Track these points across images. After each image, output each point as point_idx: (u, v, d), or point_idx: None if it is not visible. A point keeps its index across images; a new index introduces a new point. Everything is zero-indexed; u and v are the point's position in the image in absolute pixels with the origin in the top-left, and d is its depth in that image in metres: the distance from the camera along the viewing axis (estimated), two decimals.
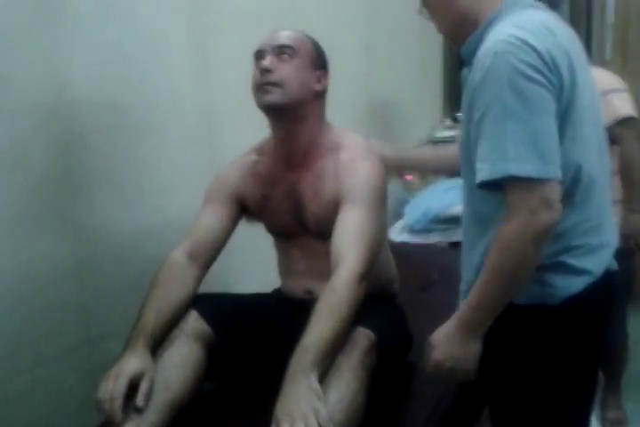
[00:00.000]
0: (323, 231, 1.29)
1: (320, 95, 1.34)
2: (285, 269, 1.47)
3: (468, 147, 1.06)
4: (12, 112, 1.28)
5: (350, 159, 1.30)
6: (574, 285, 1.09)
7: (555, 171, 0.98)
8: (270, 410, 1.02)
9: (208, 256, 1.34)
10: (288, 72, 1.26)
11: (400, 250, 2.42)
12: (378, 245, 1.25)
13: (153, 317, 1.20)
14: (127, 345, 1.17)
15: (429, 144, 3.01)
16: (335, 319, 1.11)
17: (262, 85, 1.26)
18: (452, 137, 3.02)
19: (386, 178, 1.33)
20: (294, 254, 1.42)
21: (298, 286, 1.40)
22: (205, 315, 1.25)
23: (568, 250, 1.08)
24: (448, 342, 1.09)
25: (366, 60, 2.46)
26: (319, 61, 1.34)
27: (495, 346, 1.10)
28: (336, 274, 1.16)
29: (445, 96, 3.11)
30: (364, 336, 1.16)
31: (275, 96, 1.25)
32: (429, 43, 2.98)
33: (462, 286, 1.18)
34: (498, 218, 1.04)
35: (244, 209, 1.41)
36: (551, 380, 1.12)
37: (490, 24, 1.07)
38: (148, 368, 1.13)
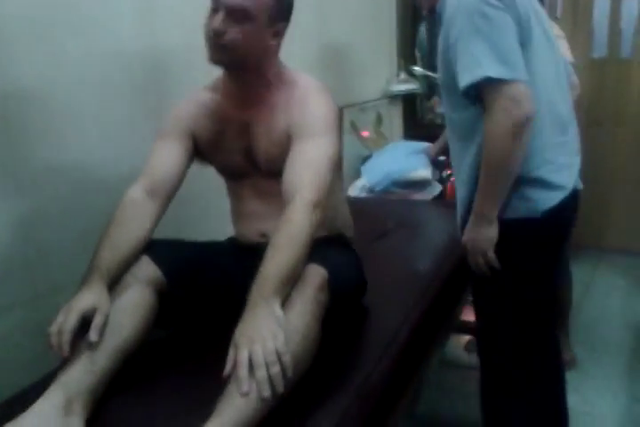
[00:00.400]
0: (274, 170, 1.27)
1: (274, 46, 1.29)
2: (238, 213, 1.44)
3: (449, 75, 1.31)
4: None
5: (301, 95, 1.29)
6: (552, 198, 1.35)
7: (520, 74, 1.23)
8: (222, 357, 1.00)
9: (166, 192, 1.30)
10: (239, 37, 1.21)
11: (356, 203, 2.44)
12: (330, 172, 1.24)
13: (108, 254, 1.17)
14: (82, 283, 1.14)
15: (385, 98, 2.99)
16: (293, 248, 1.11)
17: (212, 43, 1.22)
18: (408, 90, 3.01)
19: (336, 110, 1.32)
20: (246, 196, 1.40)
21: (251, 230, 1.38)
22: (158, 260, 1.22)
23: (545, 164, 1.34)
24: (468, 231, 1.39)
25: (318, 7, 2.39)
26: (280, 15, 1.27)
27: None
28: (291, 203, 1.16)
29: (399, 50, 3.06)
30: (317, 273, 1.15)
31: (223, 57, 1.23)
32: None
33: (457, 203, 1.47)
34: (476, 133, 1.31)
35: (196, 147, 1.37)
36: (530, 280, 1.42)
37: None
38: (101, 304, 1.10)
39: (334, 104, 1.32)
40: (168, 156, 1.32)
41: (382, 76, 2.99)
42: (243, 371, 0.97)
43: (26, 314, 1.40)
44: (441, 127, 2.93)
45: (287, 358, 0.99)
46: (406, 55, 3.06)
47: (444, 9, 1.31)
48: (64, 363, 1.07)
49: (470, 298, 1.60)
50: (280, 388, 0.97)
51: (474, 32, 1.23)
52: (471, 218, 1.38)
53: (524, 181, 1.33)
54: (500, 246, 1.38)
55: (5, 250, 1.36)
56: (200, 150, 1.38)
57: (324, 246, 1.25)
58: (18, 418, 0.97)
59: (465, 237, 1.41)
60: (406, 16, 3.05)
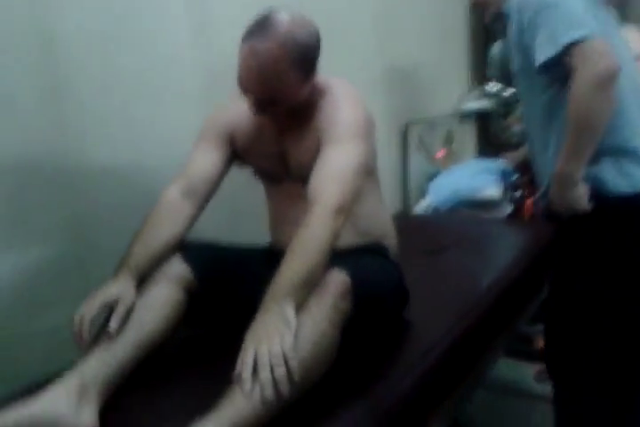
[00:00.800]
0: (305, 176, 1.26)
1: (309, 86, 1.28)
2: (274, 217, 1.44)
3: (527, 60, 1.42)
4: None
5: (332, 102, 1.28)
6: None
7: (595, 33, 1.31)
8: None
9: (202, 194, 1.32)
10: (277, 110, 1.25)
11: (416, 219, 2.40)
12: (357, 179, 1.21)
13: (139, 250, 1.21)
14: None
15: (457, 116, 2.94)
16: (309, 252, 1.09)
17: (254, 112, 1.26)
18: (480, 108, 2.95)
19: (368, 118, 1.30)
20: (282, 201, 1.40)
21: (285, 236, 1.36)
22: (190, 260, 1.23)
23: (638, 137, 1.43)
24: (554, 196, 1.45)
25: (383, 26, 2.40)
26: (307, 71, 1.23)
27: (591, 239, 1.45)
28: (312, 209, 1.14)
29: (472, 68, 3.02)
30: (338, 279, 1.10)
31: (265, 115, 1.29)
32: (452, 12, 2.90)
33: (538, 195, 1.54)
34: (559, 111, 1.38)
35: (234, 150, 1.39)
36: (628, 275, 1.45)
37: None
38: (124, 295, 1.13)
39: (365, 111, 1.30)
40: (206, 158, 1.34)
41: (454, 93, 2.94)
42: (246, 371, 0.95)
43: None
44: (516, 147, 2.87)
45: (294, 362, 0.96)
46: (479, 73, 3.01)
47: (512, 5, 1.46)
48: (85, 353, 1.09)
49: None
50: (284, 391, 0.94)
51: (545, 8, 1.36)
52: (555, 182, 1.41)
53: (623, 153, 1.41)
54: (596, 230, 1.44)
55: (61, 249, 1.43)
56: (238, 153, 1.40)
57: (355, 254, 1.23)
58: (31, 400, 1.00)
59: (552, 197, 1.46)
60: (478, 33, 3.00)
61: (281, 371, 0.95)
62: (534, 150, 1.63)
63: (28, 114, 1.34)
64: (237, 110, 1.36)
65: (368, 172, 1.31)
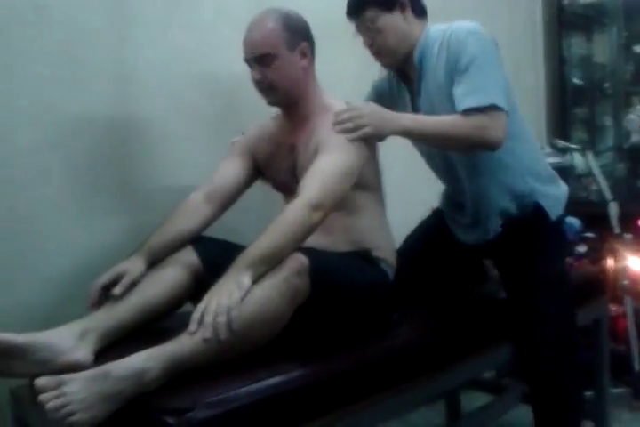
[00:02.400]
0: None
1: (308, 67, 1.49)
2: None
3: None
4: (84, 90, 1.59)
5: (330, 119, 1.44)
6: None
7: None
8: None
9: (222, 199, 1.53)
10: (275, 76, 1.44)
11: None
12: (341, 184, 1.36)
13: (155, 237, 1.43)
14: None
15: None
16: (276, 235, 1.25)
17: (260, 90, 1.48)
18: (552, 164, 2.94)
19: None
20: None
21: None
22: (199, 250, 1.41)
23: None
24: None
25: None
26: (296, 37, 1.44)
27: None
28: (291, 202, 1.31)
29: (548, 123, 3.04)
30: (296, 258, 1.24)
31: (273, 98, 1.49)
32: (526, 68, 2.98)
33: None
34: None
35: (256, 164, 1.59)
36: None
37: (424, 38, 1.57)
38: (133, 269, 1.34)
39: None
40: (229, 169, 1.57)
41: None
42: (195, 315, 1.14)
43: None
44: (595, 205, 2.83)
45: (235, 313, 1.13)
46: (554, 128, 3.03)
47: (447, 43, 1.51)
48: None
49: None
50: (221, 335, 1.11)
51: (487, 61, 1.47)
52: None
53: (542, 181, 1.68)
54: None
55: (118, 254, 1.64)
56: (259, 168, 1.60)
57: (336, 253, 1.37)
58: (37, 333, 1.20)
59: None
60: (555, 92, 3.05)
61: (222, 318, 1.13)
62: (472, 201, 1.67)
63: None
64: (261, 131, 1.60)
65: (363, 186, 1.45)
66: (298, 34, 1.46)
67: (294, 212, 1.29)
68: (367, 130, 1.41)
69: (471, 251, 1.75)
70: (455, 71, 1.49)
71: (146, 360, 1.09)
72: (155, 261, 1.40)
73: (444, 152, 1.64)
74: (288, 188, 1.54)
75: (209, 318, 1.13)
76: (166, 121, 1.74)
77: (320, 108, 1.49)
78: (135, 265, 1.35)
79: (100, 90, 1.62)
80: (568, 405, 1.67)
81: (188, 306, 1.40)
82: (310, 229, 1.29)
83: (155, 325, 1.35)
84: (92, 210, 1.62)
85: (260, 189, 1.67)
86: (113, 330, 1.27)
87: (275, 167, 1.57)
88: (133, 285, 1.33)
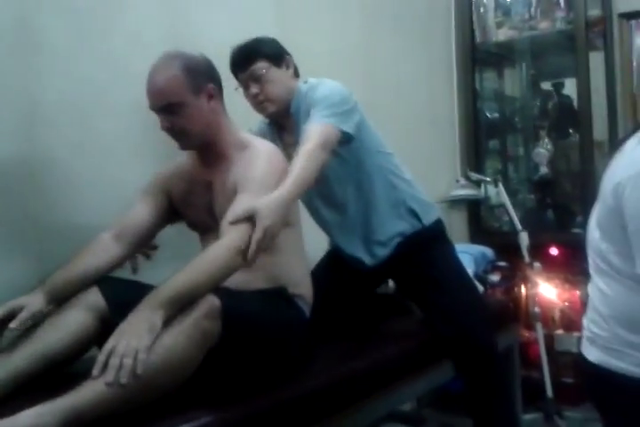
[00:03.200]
0: None
1: (217, 107, 1.48)
2: None
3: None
4: None
5: (250, 155, 1.45)
6: None
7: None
8: None
9: (132, 238, 1.49)
10: (184, 123, 1.42)
11: None
12: None
13: (58, 274, 1.38)
14: None
15: (445, 203, 3.03)
16: (194, 273, 1.22)
17: (172, 137, 1.46)
18: (467, 196, 3.04)
19: (283, 171, 1.45)
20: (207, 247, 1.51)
21: None
22: (104, 290, 1.35)
23: None
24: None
25: (371, 112, 2.57)
26: (198, 80, 1.42)
27: None
28: (213, 243, 1.29)
29: (462, 154, 3.15)
30: (207, 300, 1.21)
31: (186, 143, 1.48)
32: (442, 99, 3.09)
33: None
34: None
35: (170, 202, 1.56)
36: None
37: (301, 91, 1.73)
38: (31, 302, 1.30)
39: (282, 165, 1.46)
40: (141, 208, 1.52)
41: (443, 180, 3.06)
42: (101, 357, 1.10)
43: None
44: (507, 235, 2.93)
45: (142, 356, 1.09)
46: (470, 160, 3.14)
47: (301, 103, 1.69)
48: None
49: None
50: (124, 379, 1.06)
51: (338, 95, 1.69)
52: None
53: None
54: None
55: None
56: (175, 206, 1.56)
57: (250, 292, 1.35)
58: None
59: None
60: (468, 120, 3.19)
61: (128, 361, 1.08)
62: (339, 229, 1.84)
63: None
64: (176, 168, 1.57)
65: (286, 225, 1.43)
66: (201, 76, 1.44)
67: (217, 252, 1.27)
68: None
69: (370, 275, 1.87)
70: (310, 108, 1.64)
71: (38, 416, 1.02)
72: (56, 299, 1.34)
73: (327, 188, 1.76)
74: (204, 225, 1.52)
75: (115, 361, 1.08)
76: (75, 155, 1.68)
77: (235, 145, 1.49)
78: (34, 300, 1.31)
79: (5, 122, 1.54)
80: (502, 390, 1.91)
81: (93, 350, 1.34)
82: (231, 272, 1.27)
83: (59, 372, 1.28)
84: None
85: (175, 225, 1.64)
86: (6, 381, 1.19)
87: (190, 205, 1.54)
88: (32, 319, 1.27)
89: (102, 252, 1.45)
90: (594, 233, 1.24)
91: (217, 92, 1.47)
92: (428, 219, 1.84)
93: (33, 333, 1.27)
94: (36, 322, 1.30)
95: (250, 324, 1.29)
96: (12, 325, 1.24)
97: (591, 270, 1.26)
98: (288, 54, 1.77)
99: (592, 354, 1.23)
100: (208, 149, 1.49)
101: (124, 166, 1.78)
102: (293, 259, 1.51)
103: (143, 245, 1.53)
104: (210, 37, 1.64)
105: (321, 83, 1.71)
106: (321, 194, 1.79)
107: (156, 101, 1.40)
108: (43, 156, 1.61)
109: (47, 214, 1.61)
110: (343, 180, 1.77)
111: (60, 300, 1.35)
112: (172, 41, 1.75)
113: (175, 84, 1.39)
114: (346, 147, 1.70)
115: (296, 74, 1.79)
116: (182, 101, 1.39)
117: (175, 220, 1.60)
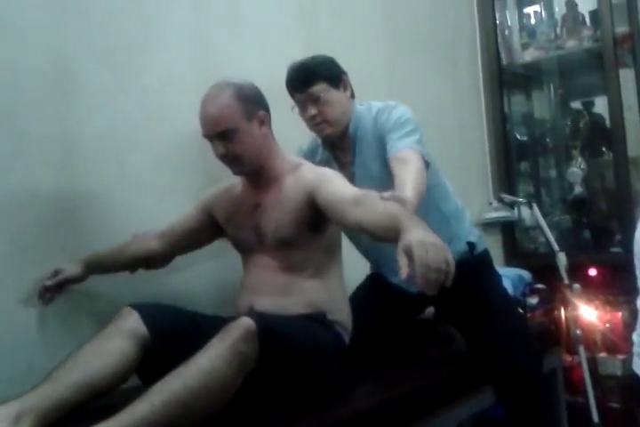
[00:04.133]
0: (280, 239, 1.47)
1: (268, 133, 1.54)
2: (241, 286, 1.58)
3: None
4: (26, 164, 1.56)
5: (311, 170, 1.53)
6: None
7: None
8: None
9: (173, 238, 1.66)
10: (238, 150, 1.48)
11: None
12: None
13: (101, 250, 1.61)
14: None
15: (479, 226, 3.01)
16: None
17: (227, 164, 1.52)
18: (501, 218, 3.01)
19: None
20: (248, 270, 1.57)
21: (245, 303, 1.50)
22: (145, 317, 1.35)
23: None
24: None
25: None
26: (252, 107, 1.49)
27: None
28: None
29: (494, 178, 3.14)
30: (242, 322, 1.20)
31: (240, 168, 1.53)
32: (470, 121, 3.09)
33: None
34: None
35: (213, 220, 1.65)
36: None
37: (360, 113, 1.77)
38: (69, 270, 1.53)
39: None
40: (188, 216, 1.69)
41: (476, 202, 3.04)
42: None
43: None
44: (544, 257, 2.88)
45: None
46: (502, 182, 3.12)
47: (360, 124, 1.73)
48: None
49: None
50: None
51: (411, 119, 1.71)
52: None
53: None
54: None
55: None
56: (219, 224, 1.64)
57: (288, 316, 1.37)
58: None
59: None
60: (499, 142, 3.18)
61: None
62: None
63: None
64: (223, 190, 1.65)
65: (327, 247, 1.48)
66: (253, 104, 1.50)
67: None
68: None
69: (414, 301, 1.82)
70: (384, 131, 1.67)
71: None
72: (91, 268, 1.56)
73: None
74: (248, 245, 1.56)
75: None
76: (111, 188, 1.72)
77: (286, 168, 1.55)
78: (72, 267, 1.53)
79: (43, 160, 1.59)
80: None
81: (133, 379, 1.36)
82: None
83: (98, 402, 1.28)
84: (32, 282, 1.55)
85: (213, 255, 1.66)
86: (49, 412, 1.19)
87: (235, 223, 1.60)
88: (65, 282, 1.52)
89: (143, 242, 1.64)
90: None
91: (267, 119, 1.53)
92: (478, 248, 1.83)
93: (76, 360, 1.27)
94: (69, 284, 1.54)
95: (287, 347, 1.28)
96: (47, 282, 1.48)
97: None
98: (345, 74, 1.77)
99: None
100: (259, 174, 1.54)
101: (158, 200, 1.81)
102: (333, 285, 1.52)
103: (183, 248, 1.68)
104: (239, 71, 1.67)
105: (394, 106, 1.71)
106: None
107: (212, 128, 1.46)
108: (80, 189, 1.66)
109: (83, 246, 1.64)
110: None
111: (94, 269, 1.56)
112: (203, 76, 1.78)
113: (230, 111, 1.45)
114: None
115: (352, 95, 1.79)
116: (237, 128, 1.45)
117: (222, 236, 1.68)
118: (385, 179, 1.63)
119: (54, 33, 1.62)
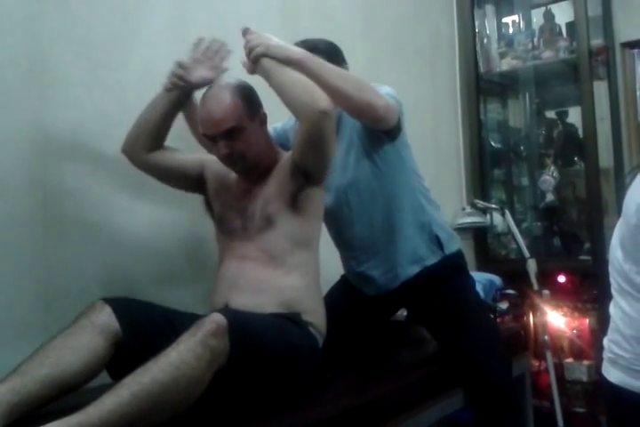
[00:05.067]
0: (264, 217, 1.49)
1: (267, 132, 1.58)
2: (217, 278, 1.56)
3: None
4: None
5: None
6: None
7: None
8: None
9: (166, 158, 1.65)
10: (243, 148, 1.49)
11: None
12: None
13: None
14: None
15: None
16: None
17: (229, 163, 1.53)
18: (473, 223, 3.04)
19: None
20: (228, 261, 1.54)
21: (220, 299, 1.49)
22: (118, 313, 1.33)
23: None
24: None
25: None
26: (254, 107, 1.52)
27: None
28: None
29: (468, 184, 3.17)
30: (213, 319, 1.20)
31: (244, 167, 1.54)
32: (447, 129, 3.12)
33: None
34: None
35: (202, 178, 1.67)
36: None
37: None
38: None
39: None
40: (185, 155, 1.69)
41: (449, 208, 3.06)
42: None
43: None
44: (515, 262, 2.93)
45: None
46: (476, 189, 3.16)
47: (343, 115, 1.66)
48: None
49: None
50: None
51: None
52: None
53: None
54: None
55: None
56: (207, 194, 1.65)
57: (260, 314, 1.36)
58: None
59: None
60: (473, 149, 3.22)
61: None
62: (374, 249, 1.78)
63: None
64: (221, 165, 1.60)
65: (306, 244, 1.48)
66: (255, 103, 1.53)
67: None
68: (259, 49, 1.47)
69: (385, 303, 1.85)
70: None
71: None
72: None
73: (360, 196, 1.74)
74: (231, 228, 1.56)
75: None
76: (85, 186, 1.69)
77: (276, 161, 1.58)
78: None
79: (16, 152, 1.56)
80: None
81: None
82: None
83: (66, 398, 1.26)
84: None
85: (186, 256, 1.65)
86: (17, 406, 1.17)
87: (223, 202, 1.61)
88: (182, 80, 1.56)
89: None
90: (616, 253, 1.23)
91: (266, 118, 1.56)
92: (450, 248, 1.81)
93: (46, 354, 1.24)
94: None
95: (258, 343, 1.28)
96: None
97: (613, 291, 1.26)
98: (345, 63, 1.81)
99: (613, 375, 1.22)
100: (255, 169, 1.56)
101: (132, 196, 1.79)
102: (309, 285, 1.52)
103: (161, 170, 1.65)
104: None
105: (378, 86, 1.68)
106: (351, 204, 1.75)
107: (217, 127, 1.46)
108: (53, 184, 1.63)
109: (55, 242, 1.61)
110: (375, 192, 1.73)
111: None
112: None
113: (236, 110, 1.46)
114: (384, 156, 1.71)
115: None
116: (242, 126, 1.47)
117: (195, 191, 1.69)
118: (363, 167, 1.71)
119: (30, 23, 1.59)
